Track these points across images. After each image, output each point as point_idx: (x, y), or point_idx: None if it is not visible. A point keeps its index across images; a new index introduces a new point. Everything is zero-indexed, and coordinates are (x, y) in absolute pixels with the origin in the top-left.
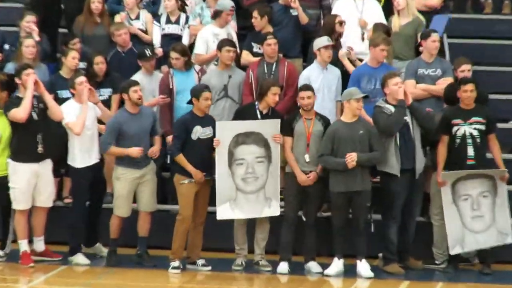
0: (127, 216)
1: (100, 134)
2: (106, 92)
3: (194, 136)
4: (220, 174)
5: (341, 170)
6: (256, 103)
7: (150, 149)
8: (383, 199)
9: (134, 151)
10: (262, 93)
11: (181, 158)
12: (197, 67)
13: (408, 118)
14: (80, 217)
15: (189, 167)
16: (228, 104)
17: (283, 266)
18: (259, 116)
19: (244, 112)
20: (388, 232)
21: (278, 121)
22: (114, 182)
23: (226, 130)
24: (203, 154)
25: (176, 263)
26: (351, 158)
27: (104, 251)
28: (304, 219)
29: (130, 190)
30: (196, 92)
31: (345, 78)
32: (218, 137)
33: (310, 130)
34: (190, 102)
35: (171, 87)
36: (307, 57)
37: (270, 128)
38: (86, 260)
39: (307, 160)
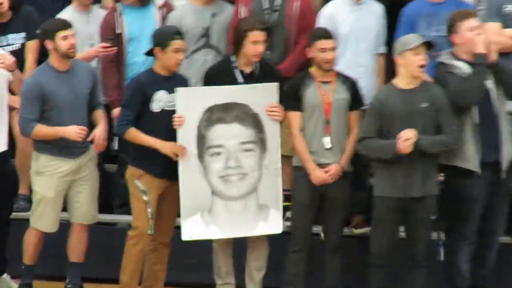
0: (51, 232)
1: (12, 109)
2: (16, 39)
3: (155, 106)
4: (184, 171)
5: (390, 161)
6: (233, 58)
7: (94, 132)
8: (451, 209)
9: (72, 131)
10: (237, 41)
11: (133, 133)
12: (159, 1)
13: (490, 84)
14: None
15: (149, 140)
16: (210, 58)
17: None
18: (239, 78)
19: (216, 74)
20: (457, 259)
21: (275, 85)
22: (34, 179)
23: (192, 101)
24: (171, 135)
25: None
26: (406, 136)
27: (15, 285)
28: (322, 238)
29: (58, 191)
30: (162, 39)
31: (393, 17)
32: (181, 111)
33: (330, 99)
34: (149, 53)
35: (118, 31)
36: None
37: (262, 96)
38: None
39: (327, 146)
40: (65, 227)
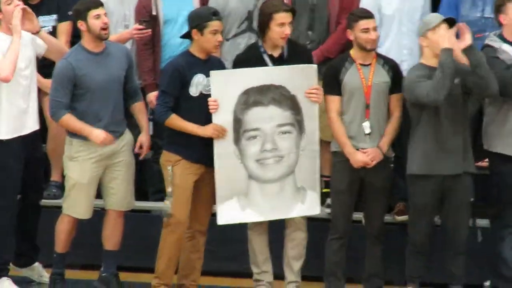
0: (85, 219)
1: (44, 94)
2: (47, 21)
3: (194, 90)
4: (221, 155)
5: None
6: (260, 42)
7: (139, 139)
8: (494, 195)
9: (98, 135)
10: (263, 24)
11: (175, 119)
12: None
13: None
14: (7, 221)
15: (191, 127)
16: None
17: None
18: (269, 63)
19: (244, 61)
20: (502, 248)
21: (314, 66)
22: (67, 164)
23: (228, 84)
24: (210, 119)
25: None
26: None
27: (46, 274)
28: (364, 225)
29: (92, 177)
30: (199, 20)
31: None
32: (216, 95)
33: (370, 82)
34: (186, 35)
35: (154, 12)
36: None
37: (300, 77)
38: None
39: (367, 131)
40: (98, 214)
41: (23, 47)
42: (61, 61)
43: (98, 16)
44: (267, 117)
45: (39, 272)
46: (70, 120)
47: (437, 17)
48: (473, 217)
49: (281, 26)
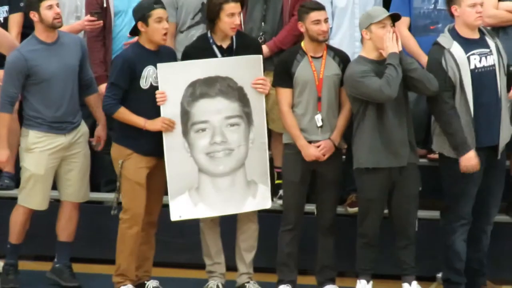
0: (41, 209)
1: None
2: None
3: (144, 82)
4: (170, 149)
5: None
6: (209, 34)
7: (97, 131)
8: (446, 188)
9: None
10: (212, 15)
11: (123, 113)
12: None
13: (494, 59)
14: None
15: (139, 120)
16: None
17: None
18: (218, 54)
19: (193, 52)
20: (453, 241)
21: (259, 57)
22: (23, 156)
23: (174, 76)
24: (157, 113)
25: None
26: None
27: None
28: (316, 217)
29: (49, 168)
30: (142, 11)
31: None
32: (163, 87)
33: (321, 74)
34: (133, 31)
35: (105, 4)
36: None
37: (246, 68)
38: None
39: (319, 124)
40: (52, 206)
41: None
42: (13, 52)
43: (50, 7)
44: (215, 109)
45: None
46: (3, 117)
47: (382, 11)
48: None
49: (231, 17)
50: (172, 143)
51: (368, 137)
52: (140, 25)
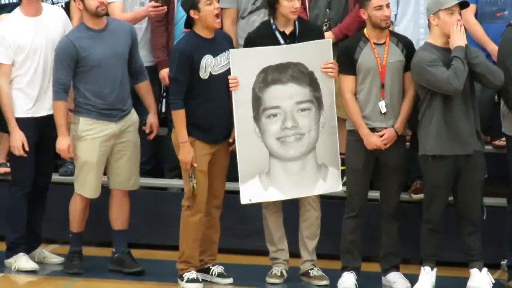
0: (94, 197)
1: None
2: None
3: (203, 72)
4: (242, 133)
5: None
6: (271, 20)
7: (148, 119)
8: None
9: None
10: (272, 1)
11: (179, 117)
12: None
13: None
14: (23, 198)
15: (182, 135)
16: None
17: (347, 279)
18: (281, 40)
19: (257, 39)
20: None
21: (329, 41)
22: (75, 144)
23: (246, 62)
24: (219, 100)
25: (192, 275)
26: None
27: (49, 255)
28: (380, 204)
29: (101, 156)
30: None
31: None
32: (235, 73)
33: (385, 61)
34: (188, 24)
35: None
36: None
37: (316, 53)
38: (34, 265)
39: (383, 110)
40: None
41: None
42: (62, 39)
43: None
44: (287, 95)
45: (42, 255)
46: (60, 106)
47: None
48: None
49: (290, 0)
50: (244, 129)
51: (435, 124)
52: (192, 13)
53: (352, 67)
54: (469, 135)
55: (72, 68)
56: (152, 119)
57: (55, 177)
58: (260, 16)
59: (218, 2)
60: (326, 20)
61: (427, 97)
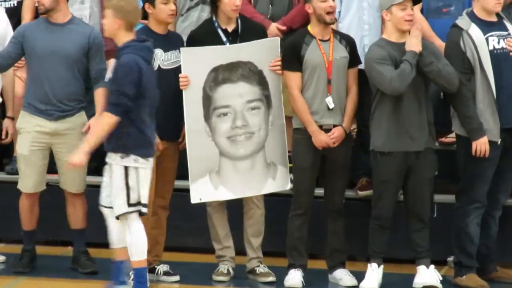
0: (29, 192)
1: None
2: None
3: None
4: (192, 132)
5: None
6: (213, 17)
7: (89, 122)
8: (461, 168)
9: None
10: None
11: None
12: None
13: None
14: None
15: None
16: (205, 15)
17: (294, 277)
18: (223, 37)
19: (199, 36)
20: (466, 223)
21: (277, 39)
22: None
23: (197, 61)
24: (167, 96)
25: None
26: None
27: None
28: (325, 201)
29: (33, 150)
30: None
31: None
32: (186, 71)
33: (331, 57)
34: (143, 16)
35: None
36: None
37: (265, 51)
38: None
39: (331, 106)
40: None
41: None
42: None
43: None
44: (237, 94)
45: None
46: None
47: None
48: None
49: None
50: (194, 127)
51: (385, 120)
52: (147, 6)
53: (298, 64)
54: (420, 132)
55: (16, 47)
56: (91, 120)
57: (1, 175)
58: (197, 12)
59: (174, 4)
60: (268, 16)
61: (378, 93)
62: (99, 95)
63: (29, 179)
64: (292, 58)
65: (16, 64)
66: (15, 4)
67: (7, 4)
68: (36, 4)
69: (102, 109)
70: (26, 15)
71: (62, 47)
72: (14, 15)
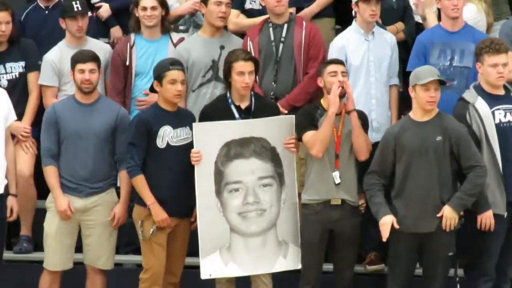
0: (55, 270)
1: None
2: (14, 68)
3: (160, 142)
4: (203, 208)
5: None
6: (228, 94)
7: (114, 209)
8: (470, 245)
9: (61, 205)
10: (226, 75)
11: (139, 181)
12: (175, 37)
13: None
14: None
15: (148, 198)
16: (218, 91)
17: None
18: (236, 114)
19: (212, 112)
20: None
21: (292, 117)
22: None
23: (210, 136)
24: (176, 173)
25: None
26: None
27: None
28: (334, 276)
29: (61, 228)
30: (158, 71)
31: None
32: (198, 147)
33: (340, 132)
34: (152, 88)
35: (128, 63)
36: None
37: (279, 129)
38: None
39: (337, 181)
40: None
41: None
42: (53, 105)
43: (82, 70)
44: (249, 170)
45: None
46: (50, 171)
47: (429, 74)
48: (455, 266)
49: (241, 75)
50: (205, 203)
51: (397, 199)
52: (155, 84)
53: (314, 128)
54: (430, 212)
55: (54, 133)
56: (117, 208)
57: (9, 254)
58: (210, 89)
59: (182, 84)
60: (271, 93)
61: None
62: (122, 178)
63: (54, 257)
64: (306, 121)
65: (22, 134)
66: (17, 76)
67: (9, 76)
68: (83, 82)
69: (122, 194)
70: (34, 91)
71: (92, 127)
72: (16, 86)
